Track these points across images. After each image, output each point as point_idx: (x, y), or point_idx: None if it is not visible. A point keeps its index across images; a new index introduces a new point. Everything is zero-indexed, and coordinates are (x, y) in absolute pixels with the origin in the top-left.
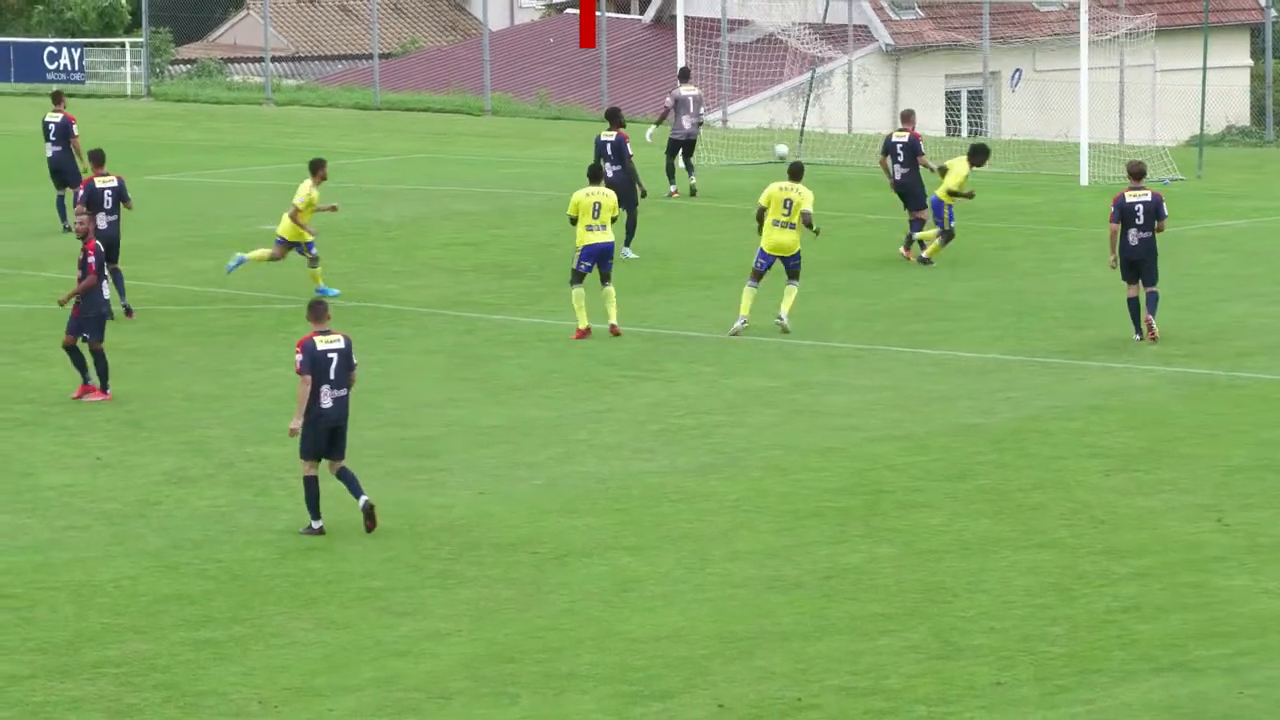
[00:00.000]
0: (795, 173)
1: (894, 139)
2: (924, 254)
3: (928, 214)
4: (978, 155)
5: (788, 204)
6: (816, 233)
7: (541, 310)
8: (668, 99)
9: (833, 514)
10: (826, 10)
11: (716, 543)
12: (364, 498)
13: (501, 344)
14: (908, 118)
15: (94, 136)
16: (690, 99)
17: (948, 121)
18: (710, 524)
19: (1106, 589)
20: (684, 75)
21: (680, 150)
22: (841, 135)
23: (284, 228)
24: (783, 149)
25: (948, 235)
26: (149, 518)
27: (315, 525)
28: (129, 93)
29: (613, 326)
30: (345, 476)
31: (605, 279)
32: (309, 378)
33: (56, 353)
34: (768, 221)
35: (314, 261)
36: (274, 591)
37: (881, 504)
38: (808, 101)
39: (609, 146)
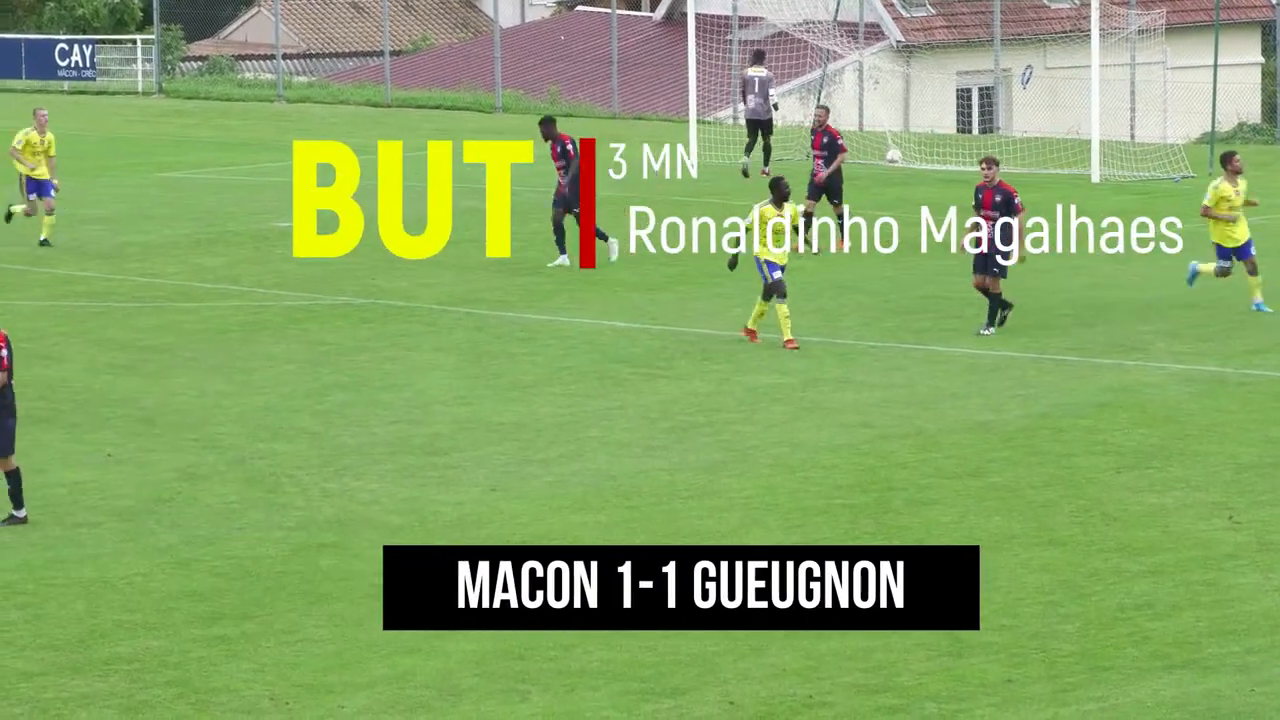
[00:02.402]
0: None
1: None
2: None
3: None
4: None
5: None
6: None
7: (552, 307)
8: (740, 80)
9: (843, 511)
10: (838, 7)
11: (727, 540)
12: (22, 512)
13: (512, 341)
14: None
15: (105, 133)
16: (756, 80)
17: (959, 119)
18: (721, 521)
19: (1118, 586)
20: (756, 57)
21: (759, 131)
22: (853, 132)
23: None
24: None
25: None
26: (160, 514)
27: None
28: (140, 90)
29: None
30: (16, 480)
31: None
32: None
33: (68, 350)
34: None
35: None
36: (285, 588)
37: (892, 501)
38: (818, 98)
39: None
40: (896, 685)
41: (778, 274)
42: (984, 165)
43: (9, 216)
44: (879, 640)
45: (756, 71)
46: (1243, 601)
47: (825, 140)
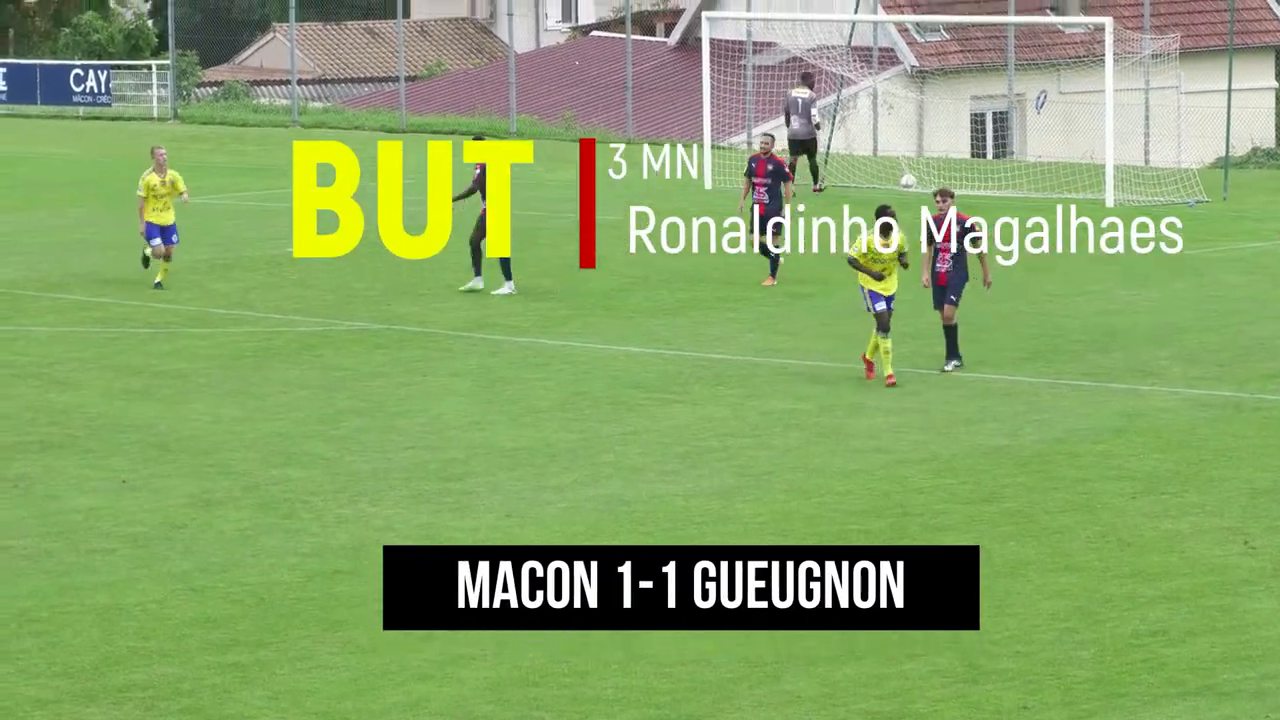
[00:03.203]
0: None
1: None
2: None
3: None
4: None
5: None
6: None
7: (565, 332)
8: (785, 100)
9: (858, 536)
10: (852, 33)
11: None
12: None
13: (527, 366)
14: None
15: (120, 159)
16: (799, 100)
17: (973, 143)
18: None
19: (1133, 612)
20: (805, 79)
21: (803, 152)
22: (867, 158)
23: None
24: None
25: None
26: (174, 541)
27: None
28: (155, 115)
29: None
30: None
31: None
32: None
33: (82, 376)
34: None
35: None
36: (299, 615)
37: (908, 527)
38: (833, 124)
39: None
40: (912, 712)
41: (880, 305)
42: (939, 198)
43: (146, 261)
44: (894, 667)
45: (800, 93)
46: (1258, 627)
47: (770, 168)
